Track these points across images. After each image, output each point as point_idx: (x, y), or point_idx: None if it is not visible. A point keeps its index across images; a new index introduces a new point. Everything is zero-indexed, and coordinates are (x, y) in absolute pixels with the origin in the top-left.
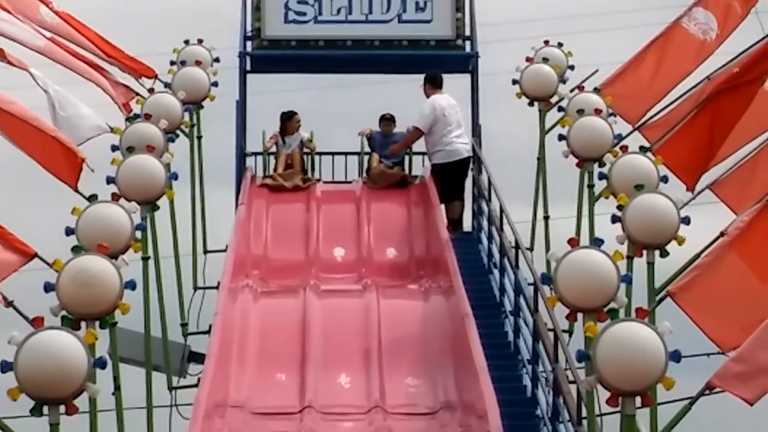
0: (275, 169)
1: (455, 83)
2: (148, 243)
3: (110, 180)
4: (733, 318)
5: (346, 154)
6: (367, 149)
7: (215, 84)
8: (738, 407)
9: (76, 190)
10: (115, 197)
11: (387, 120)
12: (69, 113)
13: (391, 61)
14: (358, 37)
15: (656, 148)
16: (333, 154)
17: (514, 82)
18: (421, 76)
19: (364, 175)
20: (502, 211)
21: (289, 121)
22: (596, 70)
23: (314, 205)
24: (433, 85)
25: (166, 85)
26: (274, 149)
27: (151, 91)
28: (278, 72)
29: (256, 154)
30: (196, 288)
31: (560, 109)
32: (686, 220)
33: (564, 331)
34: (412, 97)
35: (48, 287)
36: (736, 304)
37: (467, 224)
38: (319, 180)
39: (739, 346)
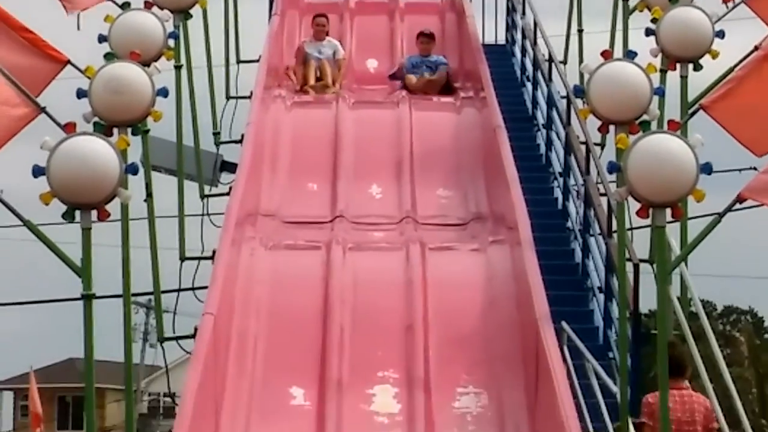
0: (305, 80)
1: None
2: (180, 51)
3: None
4: (764, 124)
5: None
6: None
7: None
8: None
9: None
10: (147, 5)
11: (426, 36)
12: None
13: None
14: None
15: None
16: None
17: None
18: None
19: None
20: (535, 24)
21: (313, 22)
22: None
23: (347, 17)
24: None
25: None
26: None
27: None
28: None
29: None
30: (228, 97)
31: None
32: (721, 34)
33: (596, 143)
34: None
35: (80, 94)
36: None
37: (501, 37)
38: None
39: None
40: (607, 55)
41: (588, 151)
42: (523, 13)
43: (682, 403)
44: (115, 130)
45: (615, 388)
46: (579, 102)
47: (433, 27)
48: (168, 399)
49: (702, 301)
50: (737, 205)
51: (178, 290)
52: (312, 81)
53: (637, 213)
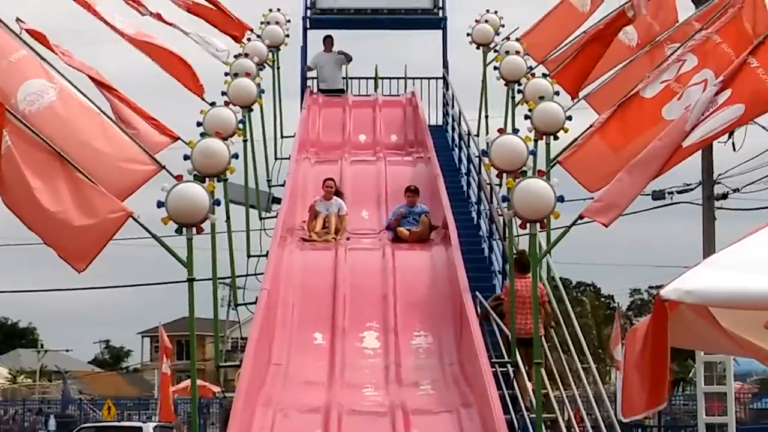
0: (312, 228)
1: (431, 36)
2: (246, 130)
3: (224, 93)
4: (595, 172)
5: None
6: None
7: (288, 35)
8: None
9: (202, 98)
10: (226, 103)
11: (411, 192)
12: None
13: (384, 20)
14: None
15: (553, 74)
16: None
17: (468, 34)
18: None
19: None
20: (460, 112)
21: (323, 185)
22: (517, 28)
23: (348, 109)
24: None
25: (258, 36)
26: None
27: (248, 40)
28: (326, 28)
29: (311, 78)
30: (276, 158)
31: (495, 51)
32: (570, 118)
33: (496, 184)
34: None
35: (186, 157)
36: (597, 164)
37: (440, 119)
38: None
39: (600, 188)
40: (501, 131)
41: (491, 189)
42: (453, 105)
43: (527, 287)
44: (207, 179)
45: (507, 332)
46: (486, 159)
47: (397, 116)
48: (242, 341)
49: (561, 278)
50: (581, 220)
51: (246, 275)
52: (318, 229)
53: (520, 226)
